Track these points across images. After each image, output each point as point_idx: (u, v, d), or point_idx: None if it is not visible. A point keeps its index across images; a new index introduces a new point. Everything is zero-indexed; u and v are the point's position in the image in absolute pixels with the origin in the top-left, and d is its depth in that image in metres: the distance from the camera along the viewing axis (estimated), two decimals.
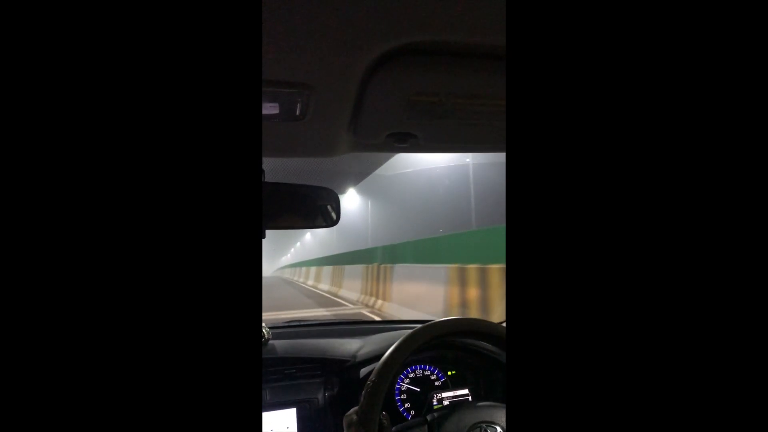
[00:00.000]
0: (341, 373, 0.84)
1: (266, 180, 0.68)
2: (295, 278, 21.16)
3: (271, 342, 0.90)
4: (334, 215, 0.74)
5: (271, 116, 0.49)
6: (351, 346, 0.91)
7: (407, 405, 0.85)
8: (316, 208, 0.73)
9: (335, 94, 0.45)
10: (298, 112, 0.48)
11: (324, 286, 11.96)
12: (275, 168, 0.69)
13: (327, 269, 12.86)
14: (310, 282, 15.25)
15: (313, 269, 16.20)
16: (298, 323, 1.21)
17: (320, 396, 0.81)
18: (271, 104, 0.47)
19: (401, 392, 0.86)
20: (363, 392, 0.59)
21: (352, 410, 0.59)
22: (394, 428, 0.61)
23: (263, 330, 0.89)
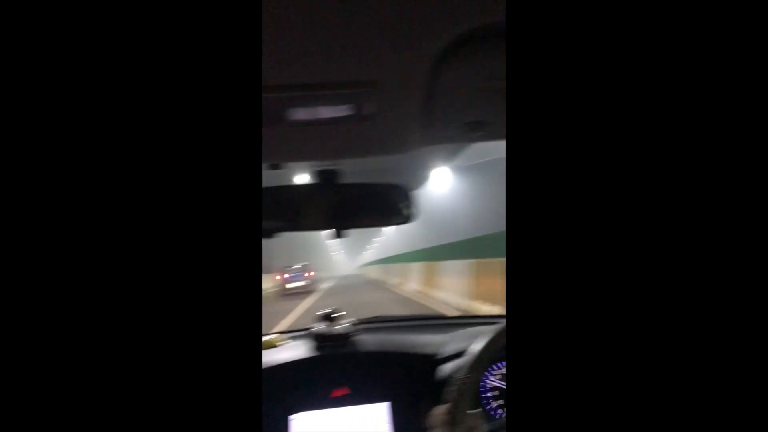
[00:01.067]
0: (428, 368, 0.85)
1: (341, 181, 0.72)
2: (387, 278, 17.72)
3: (357, 337, 0.95)
4: (408, 211, 0.75)
5: (341, 118, 0.51)
6: (436, 341, 0.92)
7: (495, 402, 0.83)
8: (389, 206, 0.75)
9: (404, 89, 0.45)
10: (367, 112, 0.49)
11: (382, 276, 12.61)
12: (353, 170, 0.72)
13: (387, 266, 13.41)
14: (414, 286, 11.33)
15: (379, 266, 16.18)
16: (381, 319, 1.26)
17: (408, 391, 0.83)
18: (341, 107, 0.48)
19: (489, 389, 0.84)
20: (451, 388, 0.59)
21: (440, 407, 0.60)
22: (487, 426, 0.60)
23: (349, 326, 0.95)
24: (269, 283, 15.58)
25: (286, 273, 13.96)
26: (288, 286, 13.57)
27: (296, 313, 8.10)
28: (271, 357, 0.90)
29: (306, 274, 14.13)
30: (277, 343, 1.01)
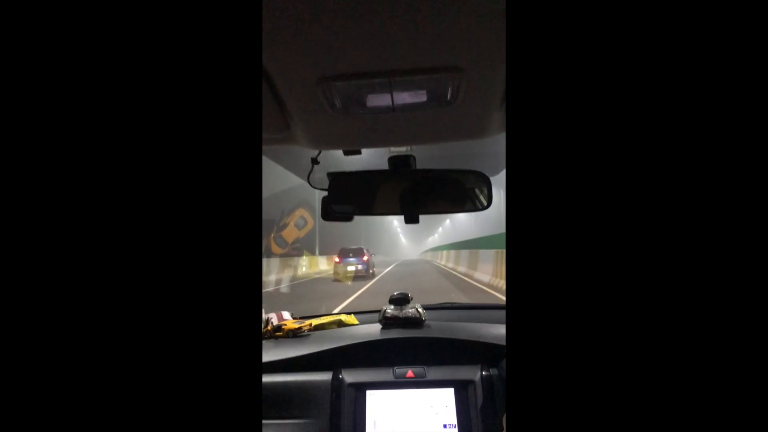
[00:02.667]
0: (497, 357, 0.87)
1: (416, 167, 0.75)
2: (436, 261, 23.18)
3: (426, 322, 0.99)
4: (485, 199, 0.76)
5: (420, 104, 0.52)
6: (503, 332, 0.93)
7: None
8: (466, 192, 0.77)
9: (485, 74, 0.46)
10: (449, 97, 0.50)
11: (462, 268, 13.34)
12: (428, 155, 0.75)
13: (452, 253, 14.00)
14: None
15: (452, 253, 17.43)
16: (450, 305, 1.29)
17: (477, 378, 0.86)
18: (420, 92, 0.50)
19: None
20: None
21: None
22: None
23: (418, 310, 0.99)
24: (329, 265, 15.96)
25: (340, 255, 13.70)
26: (348, 269, 13.17)
27: (356, 294, 8.64)
28: (346, 333, 0.98)
29: (363, 258, 13.70)
30: (353, 322, 1.09)
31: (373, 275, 14.22)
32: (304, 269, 16.90)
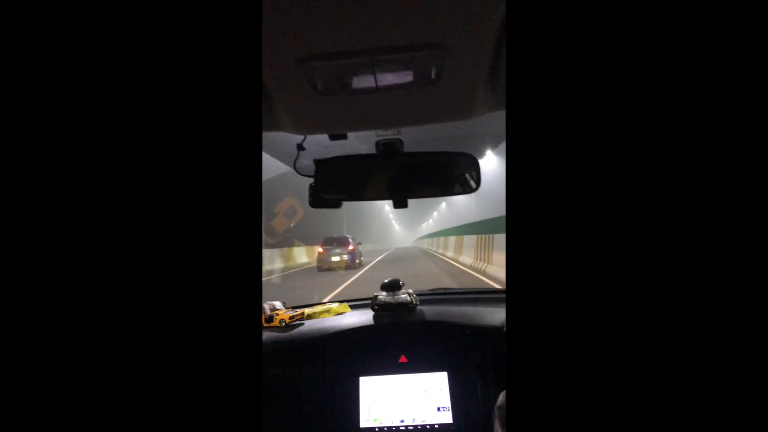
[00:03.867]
0: (490, 340, 0.91)
1: (404, 150, 0.76)
2: (431, 248, 22.60)
3: (419, 308, 1.03)
4: (473, 182, 0.78)
5: (405, 84, 0.52)
6: (499, 314, 0.97)
7: None
8: (454, 176, 0.79)
9: (471, 52, 0.46)
10: (433, 76, 0.51)
11: (449, 254, 13.50)
12: (416, 139, 0.76)
13: (452, 239, 13.68)
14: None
15: (441, 239, 17.29)
16: (442, 291, 1.32)
17: (470, 362, 0.89)
18: (405, 72, 0.50)
19: None
20: None
21: (503, 393, 0.63)
22: None
23: (411, 295, 1.02)
24: (313, 256, 15.67)
25: (324, 245, 13.20)
26: (332, 259, 12.76)
27: (348, 282, 8.76)
28: (338, 322, 1.00)
29: (349, 247, 13.25)
30: (345, 310, 1.12)
31: (361, 265, 13.98)
32: (297, 260, 16.87)
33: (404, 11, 0.38)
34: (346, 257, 12.98)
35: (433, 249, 19.99)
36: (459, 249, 12.35)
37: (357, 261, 13.84)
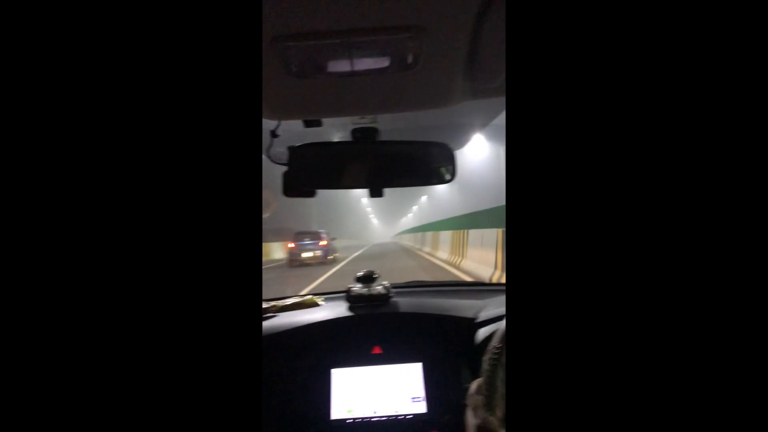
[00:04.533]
0: (464, 331, 0.93)
1: (380, 139, 0.77)
2: (414, 245, 22.09)
3: (393, 300, 1.04)
4: (449, 172, 0.80)
5: (382, 69, 0.53)
6: (473, 306, 0.99)
7: None
8: (430, 165, 0.80)
9: (449, 35, 0.46)
10: (410, 60, 0.51)
11: (427, 248, 13.76)
12: (394, 128, 0.77)
13: (429, 235, 13.83)
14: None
15: (420, 235, 17.37)
16: (417, 283, 1.34)
17: (444, 352, 0.91)
18: (382, 56, 0.50)
19: None
20: (485, 357, 0.65)
21: (475, 381, 0.65)
22: None
23: (385, 287, 1.04)
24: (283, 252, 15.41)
25: (295, 240, 13.01)
26: (304, 255, 12.67)
27: (324, 276, 8.81)
28: (312, 315, 1.01)
29: (321, 242, 13.04)
30: (318, 302, 1.12)
31: (335, 261, 13.85)
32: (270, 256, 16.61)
33: None
34: (318, 253, 12.83)
35: (417, 247, 18.84)
36: (459, 248, 9.53)
37: (330, 257, 13.68)
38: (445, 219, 13.57)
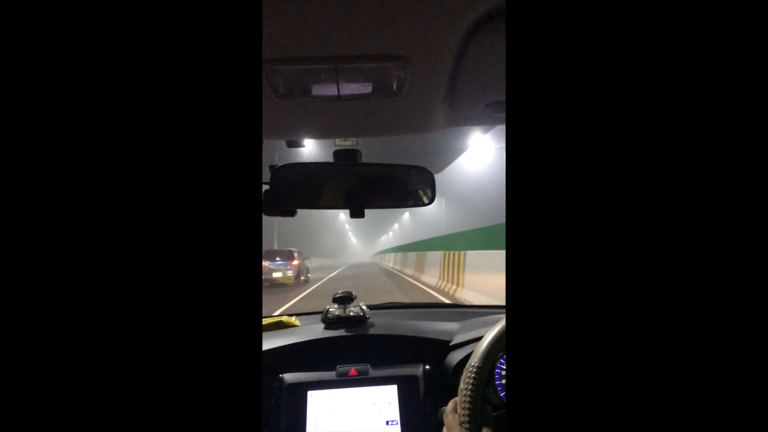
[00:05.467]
0: (439, 353, 0.96)
1: (361, 161, 0.81)
2: (393, 266, 21.88)
3: (370, 320, 1.06)
4: (428, 195, 0.84)
5: (367, 94, 0.56)
6: (449, 327, 1.03)
7: None
8: (410, 188, 0.84)
9: (432, 65, 0.49)
10: (394, 87, 0.54)
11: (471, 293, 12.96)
12: (374, 151, 0.81)
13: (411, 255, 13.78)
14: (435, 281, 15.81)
15: (398, 255, 17.38)
16: (394, 304, 1.37)
17: (420, 374, 0.93)
18: (367, 82, 0.53)
19: (502, 377, 0.94)
20: (463, 377, 0.66)
21: (451, 403, 0.66)
22: (495, 414, 0.67)
23: (362, 309, 1.06)
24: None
25: (265, 259, 12.42)
26: (274, 275, 12.32)
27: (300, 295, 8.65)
28: (288, 336, 1.02)
29: (293, 262, 12.69)
30: (294, 323, 1.13)
31: (307, 282, 13.58)
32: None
33: (370, 22, 0.41)
34: (290, 273, 12.50)
35: (398, 268, 18.76)
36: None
37: (302, 277, 13.42)
38: (436, 237, 12.66)
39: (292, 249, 13.57)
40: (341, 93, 0.54)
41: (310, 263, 16.62)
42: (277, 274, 12.40)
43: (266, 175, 0.80)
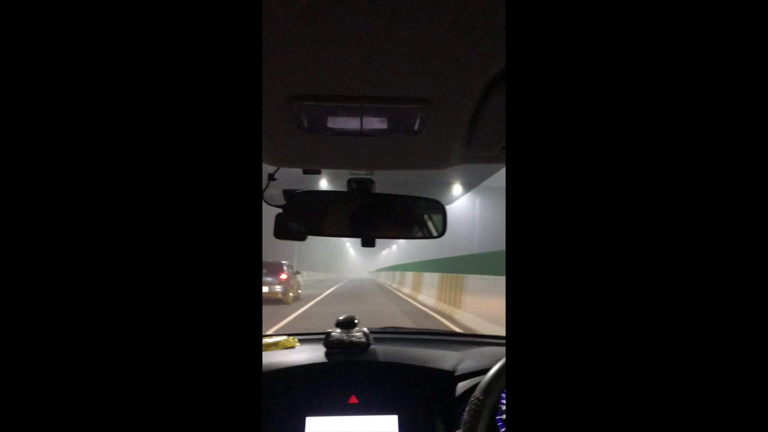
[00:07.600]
0: (442, 384, 1.00)
1: (375, 191, 0.88)
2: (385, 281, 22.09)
3: (372, 347, 1.11)
4: (440, 227, 0.91)
5: (388, 130, 0.61)
6: (451, 358, 1.07)
7: None
8: (422, 220, 0.91)
9: (453, 109, 0.54)
10: (416, 127, 0.58)
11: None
12: (387, 181, 0.87)
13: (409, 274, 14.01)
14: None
15: (397, 273, 17.58)
16: (395, 330, 1.42)
17: (421, 405, 0.98)
18: (389, 120, 0.58)
19: (504, 411, 0.98)
20: (467, 408, 0.70)
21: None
22: None
23: (365, 334, 1.11)
24: None
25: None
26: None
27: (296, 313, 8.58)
28: (288, 357, 1.07)
29: (281, 276, 11.91)
30: (295, 345, 1.19)
31: (298, 300, 12.79)
32: None
33: (396, 65, 0.45)
34: (278, 288, 11.75)
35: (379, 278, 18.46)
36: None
37: (291, 294, 12.47)
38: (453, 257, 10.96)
39: (281, 261, 12.67)
40: (363, 128, 0.59)
41: (302, 278, 15.83)
42: (263, 288, 11.48)
43: (280, 198, 0.87)
